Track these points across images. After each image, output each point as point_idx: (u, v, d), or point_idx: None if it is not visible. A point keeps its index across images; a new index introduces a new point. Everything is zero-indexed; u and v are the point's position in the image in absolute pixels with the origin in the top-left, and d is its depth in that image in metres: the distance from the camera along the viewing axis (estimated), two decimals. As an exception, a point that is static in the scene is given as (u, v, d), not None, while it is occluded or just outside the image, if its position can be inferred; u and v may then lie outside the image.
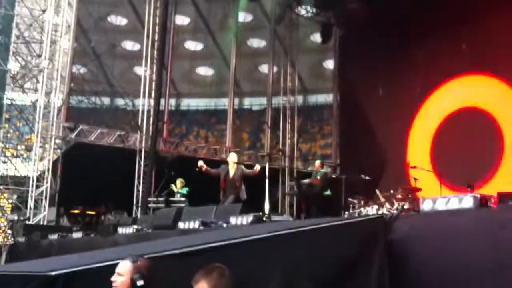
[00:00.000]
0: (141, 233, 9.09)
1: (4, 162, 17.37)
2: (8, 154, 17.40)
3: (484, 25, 14.63)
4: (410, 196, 9.80)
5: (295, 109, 22.91)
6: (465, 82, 15.68)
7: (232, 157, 11.12)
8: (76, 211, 16.94)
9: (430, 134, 16.27)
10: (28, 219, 15.49)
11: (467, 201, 5.02)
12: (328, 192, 12.53)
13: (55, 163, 16.69)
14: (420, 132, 16.65)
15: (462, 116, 15.45)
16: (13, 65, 18.37)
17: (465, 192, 7.83)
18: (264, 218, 7.70)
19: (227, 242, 4.61)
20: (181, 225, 8.41)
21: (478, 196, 5.04)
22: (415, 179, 11.14)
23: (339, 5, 19.70)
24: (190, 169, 11.38)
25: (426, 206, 5.40)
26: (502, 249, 4.28)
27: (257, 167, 10.82)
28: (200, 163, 10.71)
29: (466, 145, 14.47)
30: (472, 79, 15.53)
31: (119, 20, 26.26)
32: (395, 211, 7.80)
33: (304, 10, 21.71)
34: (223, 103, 26.21)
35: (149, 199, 14.21)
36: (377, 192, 10.14)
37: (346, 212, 9.95)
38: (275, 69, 23.18)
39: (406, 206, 8.67)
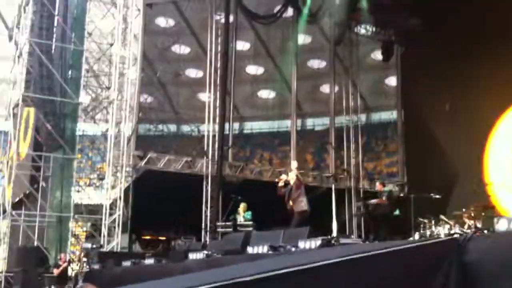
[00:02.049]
0: (211, 258, 9.20)
1: (78, 191, 18.03)
2: (81, 183, 18.04)
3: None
4: (483, 214, 9.48)
5: (358, 127, 22.68)
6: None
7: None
8: (147, 237, 17.32)
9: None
10: (102, 246, 15.95)
11: (545, 220, 4.85)
12: (397, 212, 12.30)
13: (126, 190, 17.17)
14: (500, 148, 15.96)
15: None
16: (84, 98, 19.14)
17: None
18: (332, 241, 7.64)
19: (296, 268, 4.62)
20: (250, 250, 8.47)
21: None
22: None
23: (399, 22, 19.51)
24: (255, 192, 11.47)
25: (501, 225, 5.24)
26: None
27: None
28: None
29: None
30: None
31: (182, 49, 27.00)
32: (467, 231, 7.57)
33: (364, 29, 21.63)
34: (286, 124, 26.32)
35: (217, 223, 14.37)
36: (442, 217, 9.83)
37: (417, 233, 9.72)
38: (336, 88, 23.12)
39: (478, 225, 8.41)
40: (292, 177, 11.06)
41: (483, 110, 16.18)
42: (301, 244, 7.70)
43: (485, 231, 6.07)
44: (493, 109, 16.02)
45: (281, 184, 11.11)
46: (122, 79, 18.02)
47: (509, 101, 15.60)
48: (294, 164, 11.59)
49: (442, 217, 10.01)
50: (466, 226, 9.07)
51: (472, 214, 9.48)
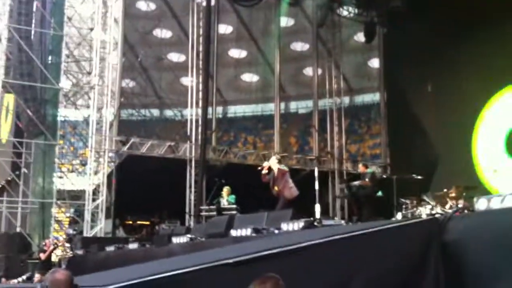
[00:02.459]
0: (195, 242, 9.22)
1: (60, 177, 17.95)
2: (64, 169, 17.96)
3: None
4: (464, 194, 9.58)
5: (341, 110, 22.75)
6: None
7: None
8: (131, 222, 17.32)
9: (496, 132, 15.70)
10: (81, 232, 15.90)
11: (523, 198, 4.91)
12: (380, 193, 12.39)
13: (109, 176, 17.13)
14: (487, 130, 16.06)
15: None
16: (65, 83, 18.97)
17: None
18: (315, 223, 7.68)
19: (279, 250, 4.64)
20: (233, 232, 8.50)
21: (534, 192, 4.92)
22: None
23: (381, 3, 19.50)
24: (239, 176, 11.47)
25: (481, 205, 5.31)
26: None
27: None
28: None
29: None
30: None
31: (164, 33, 26.72)
32: (449, 211, 7.65)
33: (346, 11, 21.60)
34: (270, 108, 26.27)
35: (201, 207, 14.37)
36: (425, 197, 9.92)
37: (399, 213, 9.81)
38: (319, 71, 23.11)
39: (460, 205, 8.50)
40: (273, 163, 11.06)
41: (467, 92, 16.30)
42: (284, 226, 7.75)
43: (465, 211, 6.15)
44: (477, 92, 16.13)
45: (264, 171, 11.09)
46: (103, 64, 17.87)
47: (494, 84, 15.65)
48: (273, 160, 11.48)
49: (424, 197, 10.11)
50: (447, 206, 9.16)
51: (454, 195, 9.58)
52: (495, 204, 5.14)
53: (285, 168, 11.07)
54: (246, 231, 8.17)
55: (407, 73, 18.75)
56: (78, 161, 19.48)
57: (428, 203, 9.32)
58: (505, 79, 15.18)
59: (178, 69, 25.19)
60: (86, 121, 18.04)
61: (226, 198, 12.70)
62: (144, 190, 16.21)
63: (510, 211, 4.88)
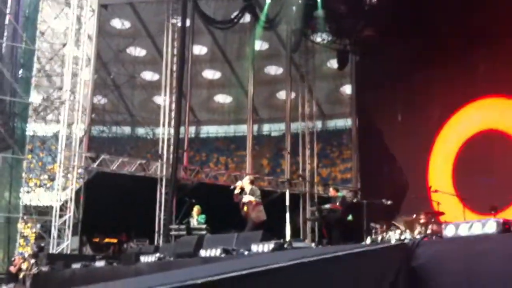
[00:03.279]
0: (163, 261, 9.11)
1: (28, 192, 17.63)
2: (31, 184, 17.66)
3: (498, 48, 14.61)
4: (433, 220, 9.70)
5: (314, 134, 22.94)
6: (483, 104, 15.59)
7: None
8: (98, 240, 17.05)
9: (451, 158, 16.16)
10: (42, 249, 15.55)
11: (490, 226, 4.98)
12: (350, 217, 12.45)
13: (77, 192, 16.89)
14: (441, 155, 16.53)
15: (482, 139, 15.35)
16: (35, 98, 18.75)
17: (488, 215, 7.76)
18: (285, 245, 7.67)
19: (247, 271, 4.62)
20: (202, 253, 8.42)
21: (501, 220, 5.00)
22: (438, 203, 11.04)
23: (354, 32, 19.85)
24: (210, 195, 11.42)
25: (448, 231, 5.36)
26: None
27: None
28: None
29: (487, 168, 14.36)
30: (490, 101, 15.44)
31: (138, 52, 26.75)
32: (418, 237, 7.74)
33: (320, 38, 21.91)
34: (242, 129, 26.39)
35: (171, 226, 14.24)
36: (395, 222, 10.02)
37: (368, 238, 9.87)
38: (292, 95, 23.31)
39: (428, 231, 8.60)
40: (246, 183, 11.01)
41: (430, 120, 16.64)
42: (254, 248, 7.72)
43: (434, 237, 6.22)
44: (441, 119, 16.50)
45: (237, 191, 11.06)
46: (75, 79, 17.72)
47: (454, 111, 16.10)
48: (246, 180, 11.35)
49: (394, 222, 10.21)
50: (416, 232, 9.26)
51: (423, 220, 9.69)
52: (463, 231, 5.21)
53: (258, 200, 10.94)
54: (216, 252, 8.11)
55: (378, 100, 19.02)
56: (46, 176, 19.17)
57: (398, 228, 9.41)
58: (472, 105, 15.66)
59: (151, 88, 25.21)
60: (55, 136, 17.81)
61: (196, 218, 12.61)
62: (113, 207, 16.02)
63: (477, 239, 4.95)
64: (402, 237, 8.18)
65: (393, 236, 8.60)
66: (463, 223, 5.27)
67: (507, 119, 14.89)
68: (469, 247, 4.89)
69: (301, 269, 4.88)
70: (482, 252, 4.72)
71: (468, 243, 4.96)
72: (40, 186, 18.31)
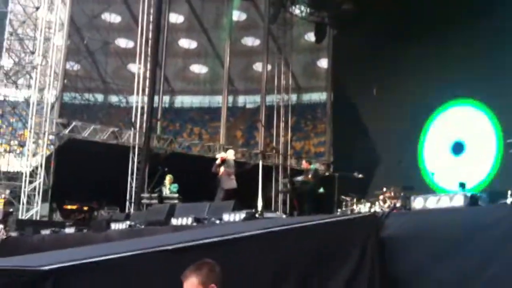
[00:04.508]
0: (134, 229, 9.09)
1: (-3, 157, 17.36)
2: (1, 149, 17.35)
3: (474, 27, 14.71)
4: (402, 194, 9.84)
5: (289, 107, 22.94)
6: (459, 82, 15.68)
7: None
8: (69, 207, 16.92)
9: (423, 133, 16.27)
10: (10, 214, 15.40)
11: (458, 199, 5.06)
12: (321, 190, 12.55)
13: (48, 159, 16.68)
14: (415, 131, 16.60)
15: (454, 115, 15.51)
16: (6, 62, 18.34)
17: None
18: (256, 215, 7.71)
19: (218, 239, 4.62)
20: (174, 221, 8.42)
21: (469, 194, 5.08)
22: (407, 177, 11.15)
23: (332, 5, 19.74)
24: (183, 165, 11.41)
25: (417, 204, 5.44)
26: (490, 248, 4.32)
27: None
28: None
29: (458, 145, 14.58)
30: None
31: (113, 18, 26.22)
32: (387, 209, 7.84)
33: (298, 10, 21.73)
34: (217, 100, 26.25)
35: (142, 195, 14.18)
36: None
37: (339, 210, 9.98)
38: (269, 67, 23.21)
39: (398, 204, 8.71)
40: (231, 156, 11.25)
41: (407, 96, 16.69)
42: (226, 217, 7.74)
43: (402, 209, 6.31)
44: (418, 95, 16.55)
45: (219, 161, 11.16)
46: (47, 44, 17.37)
47: (433, 90, 16.11)
48: (231, 153, 11.83)
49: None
50: (386, 205, 9.38)
51: (392, 194, 9.82)
52: (431, 204, 5.28)
53: (230, 170, 11.20)
54: (187, 220, 8.12)
55: (354, 75, 19.04)
56: (16, 142, 18.85)
57: (368, 201, 9.53)
58: (448, 87, 15.69)
59: (126, 55, 24.81)
60: (27, 101, 17.47)
61: (168, 187, 12.59)
62: (84, 175, 15.88)
63: (444, 211, 5.03)
64: (372, 210, 8.28)
65: (363, 209, 8.70)
66: (431, 196, 5.34)
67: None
68: (436, 219, 4.97)
69: (272, 237, 4.90)
70: (448, 224, 4.79)
71: (435, 215, 5.04)
72: (10, 151, 17.99)
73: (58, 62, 17.67)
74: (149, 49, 18.98)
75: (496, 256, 4.29)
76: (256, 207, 9.97)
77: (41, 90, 17.00)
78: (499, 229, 4.34)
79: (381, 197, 9.75)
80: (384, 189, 10.06)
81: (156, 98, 19.43)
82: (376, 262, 4.94)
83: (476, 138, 14.70)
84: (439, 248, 4.72)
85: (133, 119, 18.48)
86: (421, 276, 4.82)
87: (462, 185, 10.13)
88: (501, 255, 4.24)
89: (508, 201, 4.79)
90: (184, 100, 30.33)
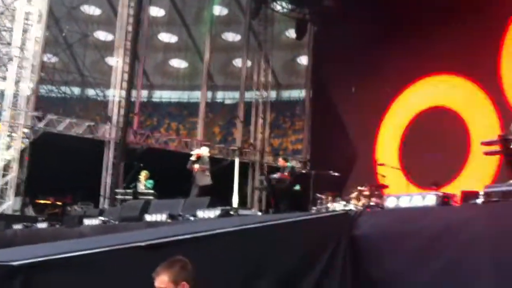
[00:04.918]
0: (107, 224, 9.02)
1: (-30, 150, 17.07)
2: (-26, 142, 17.07)
3: (455, 26, 14.84)
4: (376, 192, 9.92)
5: (267, 104, 22.96)
6: (435, 81, 15.87)
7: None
8: (42, 201, 16.74)
9: (399, 132, 16.47)
10: None
11: (430, 199, 5.12)
12: (297, 187, 12.58)
13: (22, 152, 16.47)
14: (389, 129, 16.84)
15: (430, 115, 15.67)
16: (-19, 52, 18.02)
17: (430, 190, 7.97)
18: (231, 212, 7.71)
19: (191, 235, 4.61)
20: (148, 217, 8.38)
21: (441, 194, 5.14)
22: (383, 176, 11.29)
23: (314, 1, 19.78)
24: (160, 161, 11.36)
25: (390, 203, 5.49)
26: (461, 247, 4.38)
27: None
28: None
29: (433, 144, 14.69)
30: (441, 78, 15.72)
31: (92, 10, 25.97)
32: (361, 207, 7.90)
33: (280, 6, 21.76)
34: (196, 96, 26.12)
35: (117, 190, 14.07)
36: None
37: (314, 208, 10.02)
38: (249, 63, 23.19)
39: (372, 203, 8.78)
40: (205, 153, 11.26)
41: (384, 94, 16.85)
42: (200, 214, 7.73)
43: (376, 208, 6.37)
44: (390, 94, 16.74)
45: (193, 158, 11.16)
46: (25, 36, 17.12)
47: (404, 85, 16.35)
48: (205, 150, 11.79)
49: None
50: (360, 203, 9.44)
51: (367, 192, 9.88)
52: (404, 202, 5.34)
53: (205, 166, 11.22)
54: (162, 217, 8.09)
55: (333, 73, 19.08)
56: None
57: (342, 199, 9.59)
58: (425, 84, 15.90)
59: (104, 49, 24.61)
60: (2, 93, 17.23)
61: (144, 183, 12.50)
62: (59, 169, 15.72)
63: (416, 210, 5.08)
64: (347, 208, 8.33)
65: (338, 207, 8.76)
66: (404, 195, 5.40)
67: (456, 96, 15.23)
68: (408, 218, 5.01)
69: (245, 234, 4.91)
70: (420, 223, 4.84)
71: (408, 214, 5.09)
72: (-17, 144, 17.73)
73: (35, 54, 17.44)
74: (128, 43, 18.82)
75: (467, 253, 4.35)
76: (231, 203, 10.00)
77: (17, 82, 16.77)
78: (468, 229, 4.40)
79: (355, 195, 9.82)
80: (359, 188, 10.12)
81: (134, 92, 19.29)
82: (348, 261, 4.98)
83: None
84: (410, 247, 4.77)
85: (109, 113, 18.32)
86: (392, 275, 4.86)
87: (436, 184, 10.27)
88: (470, 255, 4.30)
89: (478, 201, 4.85)
90: (162, 95, 30.18)
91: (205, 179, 10.99)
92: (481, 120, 14.11)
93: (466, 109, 14.87)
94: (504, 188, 4.76)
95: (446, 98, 15.47)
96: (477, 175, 13.36)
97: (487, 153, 7.96)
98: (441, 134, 14.85)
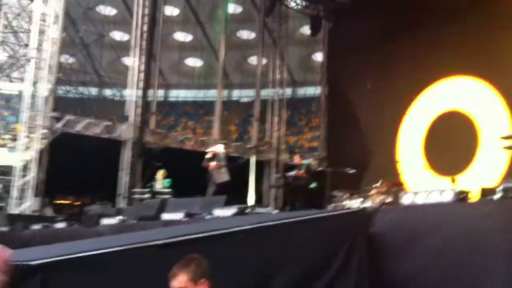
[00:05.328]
0: (124, 224, 9.07)
1: (-10, 151, 17.30)
2: (-7, 143, 17.30)
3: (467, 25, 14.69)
4: (394, 189, 9.86)
5: (283, 101, 22.92)
6: (453, 82, 15.64)
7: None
8: (61, 201, 16.88)
9: (421, 131, 16.21)
10: (0, 209, 15.33)
11: (447, 195, 5.08)
12: (314, 185, 12.56)
13: (41, 153, 16.61)
14: (413, 128, 16.58)
15: (449, 116, 15.49)
16: (0, 54, 18.24)
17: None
18: (247, 210, 7.71)
19: (207, 234, 4.62)
20: (165, 216, 8.42)
21: (458, 190, 5.10)
22: (399, 173, 11.19)
23: (328, -2, 19.73)
24: (177, 160, 11.41)
25: (406, 199, 5.46)
26: (477, 243, 4.34)
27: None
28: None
29: (451, 143, 14.61)
30: (460, 80, 15.47)
31: (108, 11, 26.15)
32: (377, 205, 7.85)
33: (294, 3, 21.73)
34: (212, 94, 26.17)
35: (134, 190, 14.15)
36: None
37: (330, 205, 10.00)
38: (264, 61, 23.17)
39: (388, 200, 8.73)
40: (220, 150, 11.27)
41: (401, 90, 16.70)
42: (217, 212, 7.74)
43: (393, 205, 6.33)
44: (410, 91, 16.57)
45: (209, 156, 11.18)
46: (42, 37, 17.27)
47: (424, 85, 16.13)
48: (220, 147, 11.82)
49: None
50: (377, 201, 9.39)
51: (383, 190, 9.83)
52: (420, 199, 5.30)
53: (222, 163, 11.23)
54: (179, 216, 8.11)
55: (349, 69, 19.00)
56: (9, 136, 18.78)
57: (360, 197, 9.54)
58: (439, 78, 15.71)
59: (121, 49, 24.76)
60: (20, 95, 17.41)
61: (161, 182, 12.56)
62: (77, 169, 15.85)
63: (433, 207, 5.04)
64: (363, 205, 8.29)
65: (354, 204, 8.72)
66: (421, 192, 5.36)
67: (471, 98, 15.02)
68: (424, 215, 4.98)
69: (261, 232, 4.90)
70: (437, 219, 4.81)
71: (424, 211, 5.06)
72: (2, 145, 17.94)
73: (52, 55, 17.58)
74: (144, 42, 18.91)
75: (484, 249, 4.32)
76: (247, 202, 10.01)
77: (35, 83, 16.92)
78: (484, 225, 4.36)
79: (372, 192, 9.77)
80: (376, 185, 10.07)
81: (150, 91, 19.38)
82: (364, 258, 4.95)
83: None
84: (426, 244, 4.74)
85: (127, 113, 18.43)
86: (409, 273, 4.83)
87: (453, 180, 10.17)
88: (485, 253, 4.26)
89: (495, 197, 4.80)
90: (179, 94, 30.29)
91: (222, 176, 10.98)
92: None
93: (479, 110, 14.69)
94: (521, 184, 4.72)
95: (463, 100, 15.25)
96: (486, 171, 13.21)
97: (506, 148, 7.92)
98: (460, 133, 14.75)
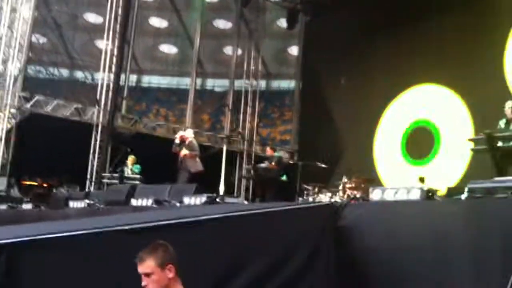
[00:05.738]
0: (92, 208, 9.00)
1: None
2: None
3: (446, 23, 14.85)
4: (363, 185, 9.96)
5: (257, 93, 22.92)
6: (426, 89, 15.76)
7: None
8: (28, 182, 16.63)
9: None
10: None
11: (415, 193, 5.17)
12: (284, 178, 12.63)
13: (8, 132, 16.32)
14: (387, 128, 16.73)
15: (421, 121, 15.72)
16: (-32, 32, 17.81)
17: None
18: (217, 200, 7.72)
19: (176, 221, 4.63)
20: (133, 202, 8.38)
21: (425, 188, 5.20)
22: (370, 170, 11.27)
23: (306, -9, 19.73)
24: (147, 146, 11.34)
25: (375, 195, 5.54)
26: (443, 241, 4.43)
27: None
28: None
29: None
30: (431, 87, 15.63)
31: (82, -9, 25.65)
32: (346, 199, 7.94)
33: (272, -6, 21.67)
34: (186, 82, 25.94)
35: (103, 174, 14.02)
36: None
37: (300, 198, 10.07)
38: (239, 51, 23.09)
39: (358, 195, 8.83)
40: (189, 135, 11.22)
41: (376, 88, 16.82)
42: (186, 200, 7.74)
43: (361, 200, 6.42)
44: (385, 89, 16.68)
45: (177, 141, 11.14)
46: (13, 15, 16.91)
47: (403, 83, 16.21)
48: (190, 132, 11.70)
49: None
50: (346, 196, 9.49)
51: (353, 185, 9.93)
52: (389, 196, 5.38)
53: (196, 153, 11.20)
54: (148, 202, 8.09)
55: (324, 64, 19.07)
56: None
57: (329, 191, 9.63)
58: (414, 79, 15.84)
59: (94, 31, 24.29)
60: (-11, 73, 17.05)
61: (131, 167, 12.48)
62: (45, 151, 15.59)
63: (401, 204, 5.13)
64: (332, 200, 8.37)
65: (324, 198, 8.80)
66: (389, 189, 5.44)
67: (436, 105, 15.21)
68: (392, 211, 5.07)
69: (229, 222, 4.93)
70: (404, 216, 4.89)
71: (392, 207, 5.14)
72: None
73: (23, 34, 17.25)
74: (118, 26, 18.67)
75: (451, 248, 4.40)
76: (218, 191, 10.01)
77: (4, 62, 16.59)
78: (450, 224, 4.45)
79: (341, 187, 9.86)
80: (346, 180, 10.16)
81: (122, 76, 19.17)
82: (331, 252, 5.02)
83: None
84: (393, 239, 4.82)
85: (98, 97, 18.20)
86: (376, 267, 4.91)
87: (422, 180, 10.33)
88: (451, 250, 4.35)
89: (463, 196, 4.90)
90: (151, 80, 29.95)
91: (197, 165, 10.98)
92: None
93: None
94: (488, 185, 4.83)
95: (432, 104, 15.41)
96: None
97: (473, 150, 8.10)
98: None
